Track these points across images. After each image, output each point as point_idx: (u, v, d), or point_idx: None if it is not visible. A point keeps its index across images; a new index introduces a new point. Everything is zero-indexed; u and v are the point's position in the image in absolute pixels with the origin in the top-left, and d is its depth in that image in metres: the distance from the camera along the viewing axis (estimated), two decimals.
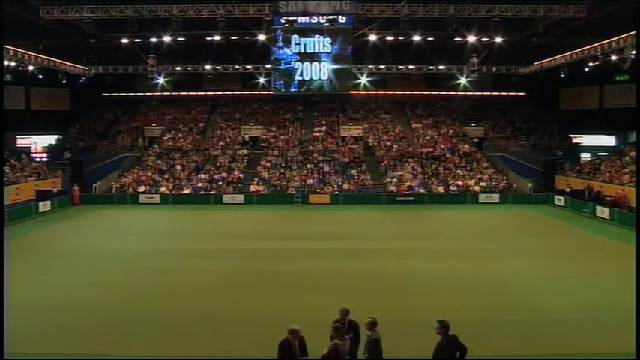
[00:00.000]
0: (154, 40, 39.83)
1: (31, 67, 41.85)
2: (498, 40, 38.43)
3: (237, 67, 47.65)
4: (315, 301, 15.64)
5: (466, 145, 47.47)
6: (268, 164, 44.86)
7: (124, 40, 40.43)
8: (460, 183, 41.62)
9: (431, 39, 40.46)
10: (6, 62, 38.57)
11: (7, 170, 38.36)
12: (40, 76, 44.16)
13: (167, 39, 39.04)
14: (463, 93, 52.18)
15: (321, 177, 42.87)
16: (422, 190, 40.90)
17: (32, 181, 39.46)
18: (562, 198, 37.64)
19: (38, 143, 54.71)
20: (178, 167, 44.34)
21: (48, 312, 15.63)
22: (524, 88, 54.15)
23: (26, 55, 40.05)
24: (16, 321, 14.91)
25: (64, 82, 47.69)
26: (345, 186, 41.57)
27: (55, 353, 12.54)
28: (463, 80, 48.48)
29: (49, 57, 42.70)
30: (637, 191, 28.98)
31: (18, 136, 53.78)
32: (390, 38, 40.55)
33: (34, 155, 51.29)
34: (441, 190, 41.08)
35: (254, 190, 41.20)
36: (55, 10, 33.29)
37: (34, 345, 13.06)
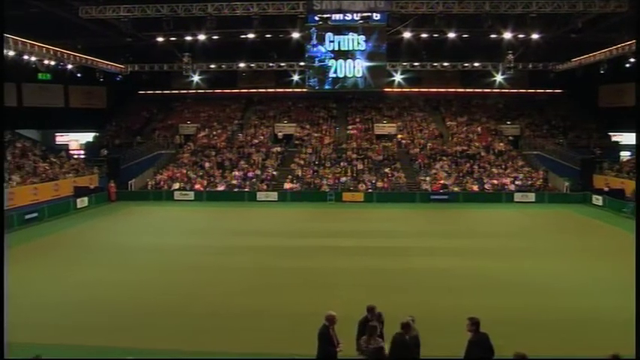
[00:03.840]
0: (189, 38, 40.34)
1: (69, 66, 42.69)
2: (535, 36, 37.92)
3: (271, 64, 47.87)
4: (346, 298, 15.61)
5: (501, 143, 46.89)
6: (302, 162, 44.96)
7: (160, 39, 41.07)
8: (495, 181, 41.13)
9: (466, 36, 40.14)
10: (46, 61, 39.55)
11: (46, 167, 39.21)
12: (79, 75, 44.98)
13: (202, 37, 39.51)
14: (498, 90, 51.46)
15: (354, 175, 42.79)
16: (456, 189, 40.55)
17: (70, 178, 40.21)
18: (600, 197, 36.82)
19: (76, 140, 55.77)
20: (207, 165, 44.72)
21: (81, 307, 15.95)
22: (562, 86, 53.11)
23: (65, 55, 40.89)
24: (50, 315, 15.31)
25: (101, 80, 48.54)
26: (379, 184, 41.43)
27: (87, 346, 12.78)
28: (498, 77, 47.86)
29: (87, 56, 43.52)
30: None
31: (57, 134, 54.98)
32: (424, 35, 40.40)
33: (72, 152, 52.27)
34: (475, 188, 40.64)
35: (288, 187, 41.34)
36: (94, 10, 33.98)
37: (67, 338, 13.30)
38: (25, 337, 13.06)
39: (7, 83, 47.94)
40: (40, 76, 44.75)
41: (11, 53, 35.52)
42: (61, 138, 55.40)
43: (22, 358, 9.87)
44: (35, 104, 50.63)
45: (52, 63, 40.41)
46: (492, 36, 39.44)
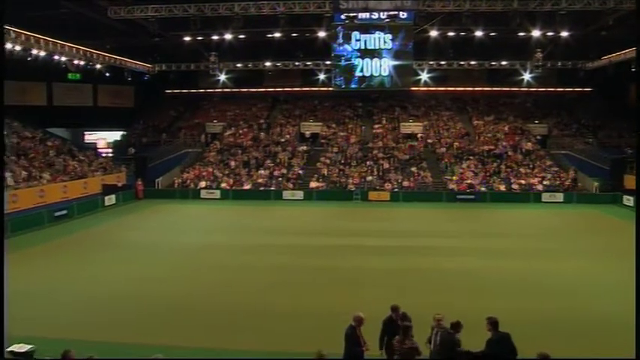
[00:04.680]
0: (215, 37, 40.62)
1: (98, 66, 43.28)
2: (564, 34, 37.36)
3: (297, 63, 47.95)
4: (371, 298, 15.56)
5: (529, 143, 46.34)
6: (328, 161, 44.95)
7: (187, 38, 41.39)
8: (522, 181, 40.67)
9: (493, 34, 39.72)
10: (75, 61, 40.12)
11: (75, 165, 39.76)
12: (107, 75, 45.61)
13: (228, 36, 39.75)
14: (526, 89, 50.92)
15: (380, 174, 42.67)
16: (483, 189, 40.20)
17: (99, 176, 40.74)
18: (631, 198, 36.10)
19: (104, 139, 56.49)
20: (233, 163, 44.93)
21: (107, 304, 16.19)
22: (592, 84, 52.27)
23: (94, 55, 41.48)
24: (77, 311, 15.54)
25: (129, 80, 49.22)
26: (405, 183, 41.25)
27: (114, 342, 12.92)
28: (526, 76, 47.33)
29: (115, 56, 44.08)
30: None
31: (85, 132, 55.76)
32: (451, 34, 40.09)
33: (100, 150, 52.96)
34: (502, 188, 40.21)
35: (314, 186, 41.37)
36: (122, 10, 34.40)
37: (92, 334, 13.45)
38: (54, 333, 13.32)
39: (37, 83, 49.08)
40: (69, 75, 45.37)
41: (42, 53, 36.20)
42: (90, 136, 56.20)
43: (51, 355, 10.08)
44: (65, 103, 51.50)
45: (82, 63, 41.04)
46: (520, 34, 38.94)
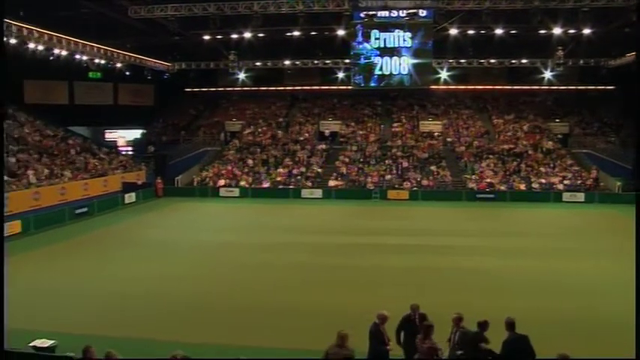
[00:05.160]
0: (235, 36, 40.79)
1: (119, 65, 43.64)
2: (587, 31, 36.91)
3: (316, 62, 47.93)
4: (390, 297, 15.50)
5: (550, 142, 45.91)
6: (347, 159, 44.90)
7: (207, 37, 41.64)
8: (543, 180, 40.31)
9: (514, 32, 39.37)
10: (96, 60, 40.50)
11: (96, 163, 40.15)
12: (127, 73, 45.97)
13: (248, 35, 39.87)
14: (547, 87, 50.40)
15: (399, 172, 42.54)
16: (502, 188, 39.91)
17: (119, 174, 41.11)
18: None
19: (123, 137, 56.96)
20: (250, 162, 45.06)
21: (126, 300, 16.36)
22: (615, 82, 51.59)
23: (115, 54, 41.81)
24: (97, 307, 15.70)
25: (149, 78, 49.63)
26: (424, 182, 41.09)
27: (131, 338, 13.06)
28: (547, 74, 46.81)
29: (135, 55, 44.43)
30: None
31: (106, 130, 56.26)
32: (471, 32, 39.83)
33: (120, 148, 53.42)
34: (522, 187, 39.88)
35: (332, 184, 41.36)
36: (142, 10, 34.65)
37: (112, 330, 13.59)
38: (75, 329, 13.46)
39: (59, 82, 49.58)
40: (90, 74, 45.80)
41: (64, 53, 36.58)
42: (110, 135, 56.66)
43: (71, 351, 10.19)
44: (86, 102, 52.01)
45: (102, 62, 41.47)
46: (541, 32, 38.56)
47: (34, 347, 11.18)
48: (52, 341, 11.42)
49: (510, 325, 9.23)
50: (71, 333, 12.91)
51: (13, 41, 31.87)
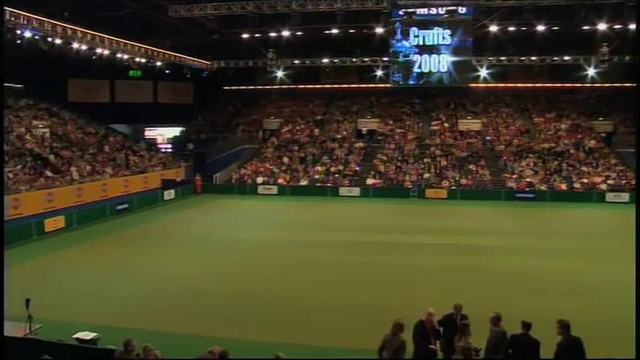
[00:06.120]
0: (273, 34, 40.94)
1: (158, 63, 44.13)
2: (633, 26, 35.99)
3: (354, 60, 47.77)
4: (427, 296, 15.36)
5: (592, 141, 44.91)
6: (385, 157, 44.72)
7: (245, 35, 41.94)
8: (585, 180, 39.45)
9: (556, 28, 38.63)
10: (137, 59, 41.10)
11: (136, 160, 40.78)
12: (167, 72, 46.50)
13: (286, 33, 39.99)
14: (590, 85, 49.25)
15: (438, 171, 42.18)
16: (543, 187, 39.22)
17: (158, 171, 41.67)
18: None
19: (161, 135, 57.71)
20: (286, 159, 45.23)
21: (166, 295, 16.61)
22: None
23: (155, 52, 42.39)
24: (137, 302, 15.93)
25: (188, 76, 50.12)
26: (463, 181, 40.66)
27: (169, 332, 13.20)
28: (591, 71, 45.73)
29: (175, 53, 44.97)
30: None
31: (146, 128, 57.04)
32: (511, 28, 39.25)
33: (160, 146, 54.13)
34: (563, 187, 39.13)
35: (370, 183, 41.24)
36: (182, 9, 35.06)
37: (151, 324, 13.78)
38: (115, 322, 13.69)
39: (101, 80, 50.49)
40: (131, 73, 46.57)
41: (106, 52, 37.21)
42: (150, 132, 57.43)
43: (112, 344, 10.36)
44: (126, 100, 52.81)
45: (143, 60, 42.07)
46: (585, 27, 37.76)
47: (77, 339, 11.41)
48: (95, 334, 11.63)
49: (566, 327, 9.00)
50: (113, 326, 13.14)
51: (58, 41, 32.60)
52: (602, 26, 36.33)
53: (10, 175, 29.17)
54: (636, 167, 32.09)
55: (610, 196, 37.39)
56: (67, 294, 16.50)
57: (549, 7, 33.54)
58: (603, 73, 45.45)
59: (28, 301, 11.23)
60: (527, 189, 39.08)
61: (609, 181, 39.01)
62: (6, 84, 39.15)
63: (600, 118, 48.90)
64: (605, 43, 40.00)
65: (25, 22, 30.07)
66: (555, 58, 45.39)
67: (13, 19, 29.19)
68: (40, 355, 9.11)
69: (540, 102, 52.35)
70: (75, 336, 11.51)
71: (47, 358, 8.95)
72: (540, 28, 37.22)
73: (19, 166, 30.86)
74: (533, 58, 45.33)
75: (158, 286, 17.36)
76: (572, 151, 43.49)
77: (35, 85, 41.77)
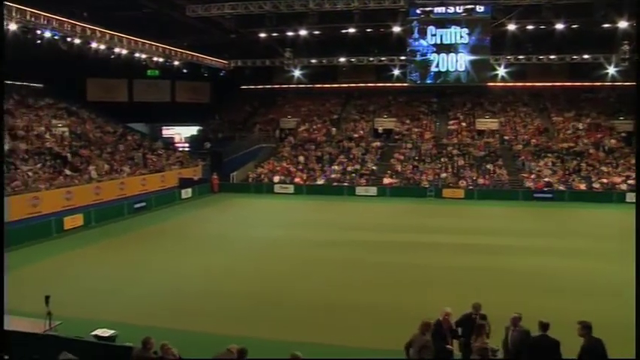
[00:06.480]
0: (290, 33, 40.94)
1: (176, 63, 44.32)
2: None
3: (371, 59, 47.63)
4: (444, 296, 15.27)
5: (613, 140, 44.43)
6: (402, 157, 44.60)
7: (262, 35, 41.97)
8: (605, 180, 39.01)
9: (575, 26, 38.22)
10: (155, 58, 41.38)
11: (153, 159, 41.02)
12: (185, 71, 46.72)
13: (303, 32, 39.95)
14: (610, 83, 48.68)
15: (455, 171, 41.98)
16: (561, 187, 38.87)
17: (176, 169, 41.88)
18: None
19: (178, 134, 57.99)
20: (302, 158, 45.27)
21: (184, 294, 16.69)
22: None
23: (172, 52, 42.62)
24: (154, 300, 16.02)
25: (205, 76, 50.33)
26: (480, 180, 40.42)
27: (186, 331, 13.23)
28: (611, 70, 45.22)
29: (192, 53, 45.17)
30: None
31: (164, 127, 57.37)
32: (530, 27, 38.88)
33: (177, 145, 54.42)
34: (582, 187, 38.75)
35: (387, 182, 41.14)
36: (200, 9, 35.18)
37: (167, 322, 13.82)
38: (133, 320, 13.78)
39: (119, 80, 50.88)
40: (149, 72, 46.88)
41: (124, 52, 37.47)
42: (167, 131, 57.75)
43: (129, 341, 10.43)
44: (144, 99, 53.16)
45: (161, 60, 42.30)
46: (605, 25, 37.33)
47: (96, 336, 11.50)
48: (113, 331, 11.71)
49: (588, 328, 8.87)
50: (130, 324, 13.23)
51: (77, 41, 32.86)
52: (622, 24, 35.85)
53: (30, 174, 29.51)
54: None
55: (630, 197, 36.81)
56: (86, 291, 16.64)
57: (568, 5, 33.20)
58: (624, 71, 44.87)
59: (47, 298, 11.36)
60: (546, 189, 38.74)
61: (629, 181, 38.51)
62: (26, 83, 39.80)
63: (621, 118, 48.30)
64: (625, 41, 39.50)
65: (45, 22, 30.36)
66: (575, 57, 44.89)
67: (33, 19, 29.51)
68: (59, 352, 9.20)
69: (559, 101, 51.88)
70: (93, 333, 11.60)
71: (67, 354, 9.03)
72: (559, 26, 36.83)
73: (38, 165, 31.19)
74: (552, 56, 44.93)
75: (175, 285, 17.44)
76: (591, 150, 43.07)
77: (55, 85, 42.25)
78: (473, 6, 37.08)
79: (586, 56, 44.56)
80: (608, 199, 37.09)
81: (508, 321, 9.89)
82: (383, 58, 47.22)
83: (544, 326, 9.15)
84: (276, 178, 42.70)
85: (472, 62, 40.49)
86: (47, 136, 35.34)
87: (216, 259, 21.08)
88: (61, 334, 11.27)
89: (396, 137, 48.35)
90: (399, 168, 42.85)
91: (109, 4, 33.99)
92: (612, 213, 33.44)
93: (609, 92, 51.05)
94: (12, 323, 11.28)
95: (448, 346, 9.95)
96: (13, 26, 27.81)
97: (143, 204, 33.35)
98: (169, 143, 51.67)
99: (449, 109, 52.53)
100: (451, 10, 38.54)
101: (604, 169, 40.40)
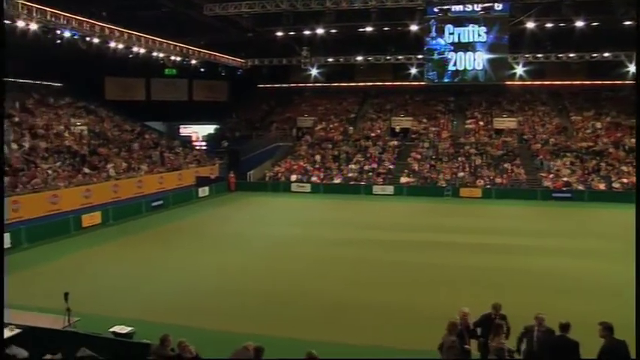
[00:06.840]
0: (307, 32, 40.92)
1: (193, 62, 44.52)
2: None
3: (388, 57, 47.49)
4: (462, 296, 15.21)
5: (633, 139, 43.90)
6: (419, 156, 44.45)
7: (279, 34, 42.03)
8: (625, 180, 38.53)
9: (595, 24, 37.80)
10: (172, 57, 41.59)
11: (171, 157, 41.25)
12: (202, 70, 46.95)
13: (320, 31, 39.91)
14: (631, 82, 48.12)
15: (472, 170, 41.75)
16: (580, 187, 38.50)
17: (193, 168, 42.07)
18: None
19: (195, 132, 58.26)
20: (318, 157, 45.28)
21: (201, 292, 16.76)
22: None
23: (190, 51, 42.84)
24: (172, 297, 16.11)
25: (223, 74, 50.48)
26: (498, 180, 40.15)
27: (203, 329, 13.30)
28: (632, 68, 44.63)
29: (210, 51, 45.35)
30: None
31: (181, 126, 57.64)
32: (549, 25, 38.52)
33: (195, 143, 54.67)
34: (602, 187, 38.34)
35: (404, 181, 41.03)
36: (217, 7, 35.31)
37: (185, 320, 13.88)
38: (151, 317, 13.87)
39: (137, 79, 51.23)
40: (166, 71, 47.12)
41: (142, 51, 37.72)
42: (185, 130, 58.02)
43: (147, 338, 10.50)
44: (162, 98, 53.47)
45: (178, 59, 42.51)
46: (626, 23, 36.86)
47: (114, 333, 11.60)
48: (130, 328, 11.80)
49: (609, 329, 8.77)
50: (147, 321, 13.32)
51: (96, 41, 33.16)
52: None
53: (50, 172, 29.80)
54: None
55: None
56: (104, 289, 16.78)
57: (588, 2, 32.86)
58: None
59: (66, 294, 11.49)
60: (564, 188, 38.39)
61: None
62: (46, 82, 40.25)
63: None
64: None
65: (65, 22, 30.66)
66: (594, 55, 44.40)
67: (53, 19, 29.82)
68: (78, 348, 9.29)
69: (578, 100, 51.34)
70: (111, 329, 11.70)
71: (86, 350, 9.12)
72: (579, 23, 36.44)
73: (58, 163, 31.49)
74: (572, 55, 44.49)
75: (191, 283, 17.53)
76: (611, 149, 42.59)
77: (74, 84, 42.64)
78: (491, 4, 36.87)
79: (606, 54, 44.04)
80: (628, 199, 36.51)
81: (533, 320, 9.78)
82: (400, 57, 47.04)
83: (564, 327, 9.07)
84: (293, 177, 42.76)
85: (490, 61, 40.24)
86: (66, 134, 35.69)
87: (232, 258, 21.15)
88: (79, 330, 11.41)
89: (413, 136, 48.18)
90: (416, 167, 42.72)
91: (127, 4, 34.27)
92: (633, 214, 32.91)
93: (630, 91, 50.36)
94: (32, 319, 11.46)
95: (466, 346, 9.89)
96: (33, 26, 28.17)
97: (160, 202, 33.58)
98: (187, 142, 51.91)
99: (466, 108, 52.24)
100: (469, 8, 38.37)
101: (624, 168, 39.93)
